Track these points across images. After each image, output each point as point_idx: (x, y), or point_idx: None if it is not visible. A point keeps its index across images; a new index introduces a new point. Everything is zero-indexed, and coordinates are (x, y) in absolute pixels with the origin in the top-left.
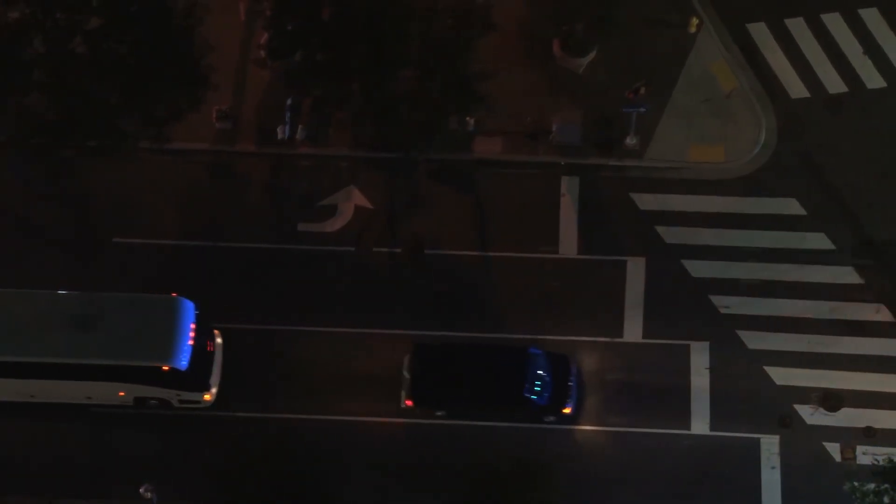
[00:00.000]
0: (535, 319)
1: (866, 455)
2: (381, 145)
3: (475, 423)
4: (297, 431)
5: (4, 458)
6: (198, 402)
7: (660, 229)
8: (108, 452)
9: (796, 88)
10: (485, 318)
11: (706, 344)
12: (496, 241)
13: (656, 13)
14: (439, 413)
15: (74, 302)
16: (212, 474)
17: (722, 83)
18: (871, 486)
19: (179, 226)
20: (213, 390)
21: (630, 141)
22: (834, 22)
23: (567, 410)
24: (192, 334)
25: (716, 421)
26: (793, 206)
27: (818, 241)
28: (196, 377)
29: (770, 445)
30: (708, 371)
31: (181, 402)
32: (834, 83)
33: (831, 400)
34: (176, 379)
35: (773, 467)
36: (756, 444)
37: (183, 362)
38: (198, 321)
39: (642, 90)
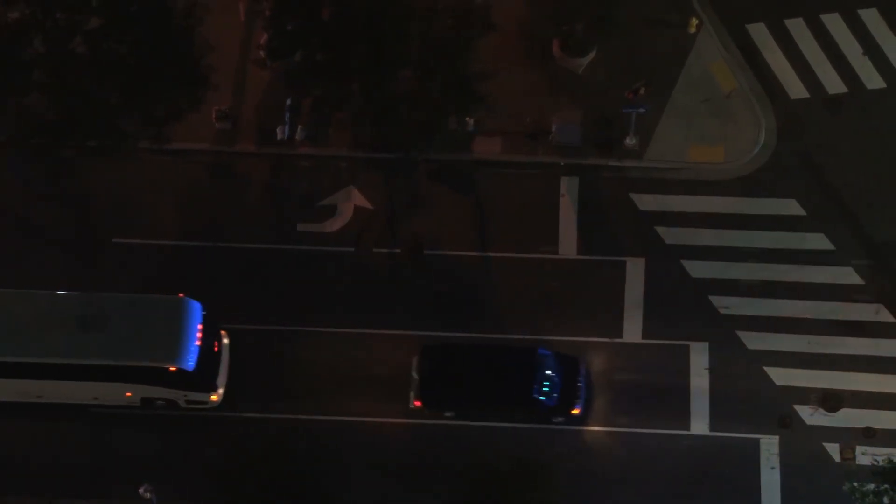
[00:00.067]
0: (534, 320)
1: (866, 455)
2: (381, 145)
3: (475, 423)
4: (296, 431)
5: (4, 458)
6: (205, 402)
7: (659, 230)
8: (108, 452)
9: (796, 89)
10: (484, 318)
11: (706, 344)
12: (496, 242)
13: (656, 13)
14: (448, 414)
15: (81, 303)
16: (212, 474)
17: (721, 83)
18: (871, 486)
19: (179, 226)
20: (220, 391)
21: (630, 141)
22: (833, 22)
23: (576, 411)
24: (199, 335)
25: (715, 421)
26: (792, 207)
27: (818, 241)
28: (203, 378)
29: (770, 446)
30: (707, 371)
31: (188, 402)
32: (833, 84)
33: (831, 400)
34: (183, 379)
35: (772, 468)
36: (756, 445)
37: (190, 363)
38: (205, 322)
39: (642, 90)
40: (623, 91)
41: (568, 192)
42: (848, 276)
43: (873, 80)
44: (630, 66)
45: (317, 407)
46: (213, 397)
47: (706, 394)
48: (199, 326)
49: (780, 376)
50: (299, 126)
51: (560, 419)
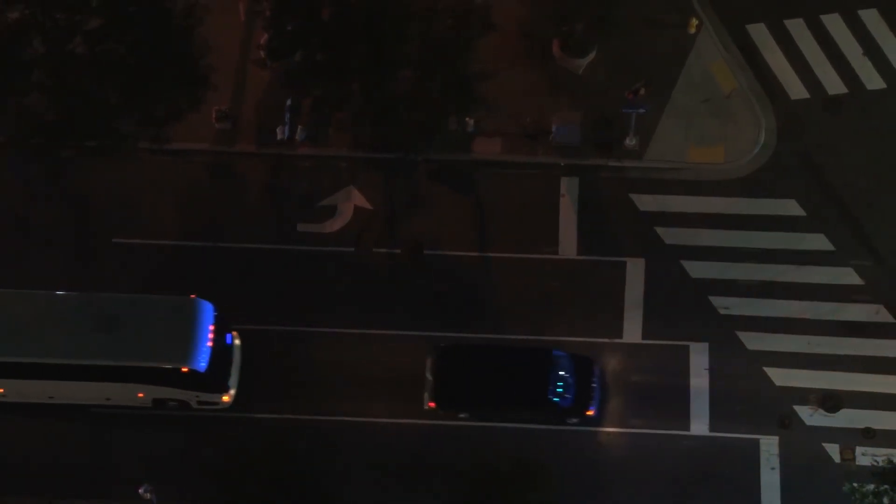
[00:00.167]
0: (534, 320)
1: (866, 456)
2: (381, 146)
3: (475, 423)
4: (295, 431)
5: (4, 458)
6: (216, 403)
7: (659, 230)
8: (108, 452)
9: (796, 89)
10: (484, 318)
11: (705, 345)
12: (496, 242)
13: (656, 13)
14: (462, 415)
15: (94, 304)
16: (212, 474)
17: (721, 84)
18: (871, 486)
19: (179, 226)
20: (232, 392)
21: (629, 141)
22: (833, 23)
23: (590, 413)
24: (210, 336)
25: (715, 422)
26: (792, 207)
27: (818, 241)
28: (215, 379)
29: (769, 446)
30: (707, 372)
31: (200, 403)
32: (833, 84)
33: (831, 401)
34: (195, 380)
35: (772, 468)
36: (755, 445)
37: (202, 364)
38: (216, 322)
39: (642, 91)
40: (623, 91)
41: (568, 193)
42: (848, 276)
43: (873, 80)
44: (630, 66)
45: (316, 407)
46: (225, 398)
47: (706, 394)
48: (211, 327)
49: (780, 377)
50: (299, 126)
51: (574, 420)
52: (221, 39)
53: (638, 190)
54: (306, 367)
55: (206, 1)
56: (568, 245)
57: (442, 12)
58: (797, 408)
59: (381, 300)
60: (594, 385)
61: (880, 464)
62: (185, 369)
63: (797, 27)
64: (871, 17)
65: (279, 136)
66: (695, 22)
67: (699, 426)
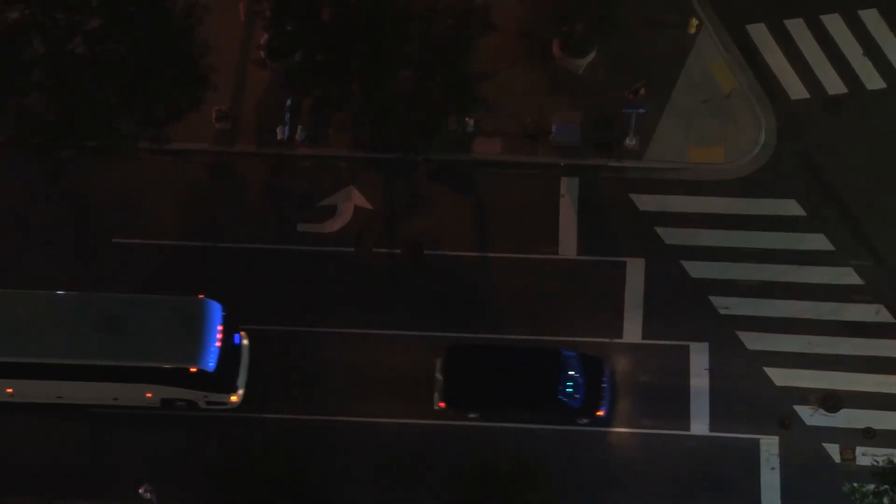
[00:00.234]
0: (534, 320)
1: (866, 456)
2: (381, 146)
3: (475, 423)
4: (295, 431)
5: (4, 458)
6: (225, 403)
7: (659, 230)
8: (108, 452)
9: (796, 89)
10: (484, 318)
11: (706, 345)
12: (496, 242)
13: (656, 13)
14: (472, 415)
15: (102, 304)
16: (212, 474)
17: (721, 84)
18: (871, 486)
19: (179, 226)
20: (241, 392)
21: (629, 142)
22: (833, 23)
23: (600, 413)
24: (219, 336)
25: (715, 422)
26: (792, 207)
27: (818, 241)
28: (223, 379)
29: (769, 446)
30: (707, 372)
31: (208, 403)
32: (833, 84)
33: (831, 401)
34: (203, 380)
35: (772, 468)
36: (755, 445)
37: (210, 364)
38: (225, 322)
39: (642, 91)
40: (623, 91)
41: (568, 193)
42: (848, 276)
43: (873, 80)
44: (630, 66)
45: (316, 407)
46: (234, 398)
47: (706, 394)
48: (220, 327)
49: (780, 377)
50: (299, 126)
51: (585, 421)
52: (221, 39)
53: (638, 190)
54: (305, 368)
55: (206, 1)
56: (568, 245)
57: (442, 12)
58: (797, 408)
59: (381, 300)
60: (604, 385)
61: (880, 464)
62: (193, 369)
63: (797, 27)
64: (871, 17)
65: (279, 136)
66: (695, 22)
67: (699, 426)
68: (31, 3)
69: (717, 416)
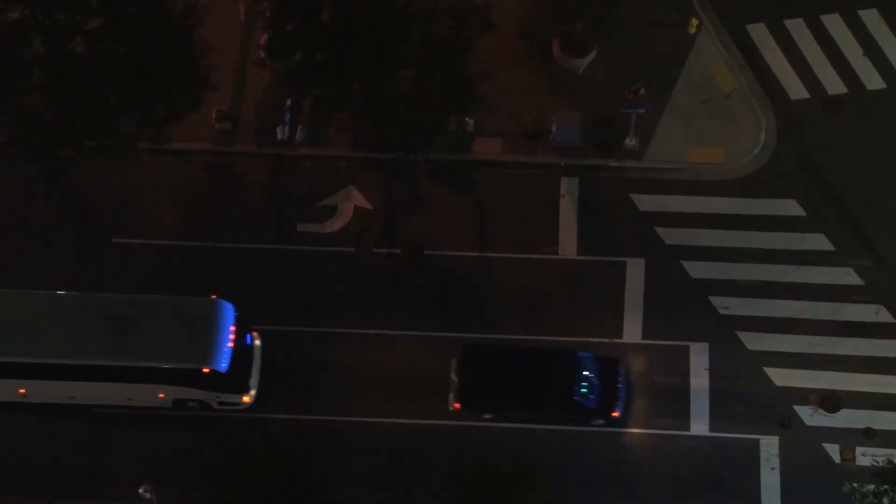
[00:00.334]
0: (534, 320)
1: (866, 456)
2: (381, 146)
3: (475, 423)
4: (295, 431)
5: (4, 458)
6: (237, 403)
7: (659, 230)
8: (108, 452)
9: (796, 89)
10: (484, 318)
11: (705, 345)
12: (496, 242)
13: (656, 13)
14: (487, 416)
15: (115, 304)
16: (212, 474)
17: (721, 84)
18: (871, 487)
19: (179, 226)
20: (253, 392)
21: (629, 142)
22: (833, 23)
23: (615, 414)
24: (231, 336)
25: (715, 422)
26: (792, 207)
27: (818, 241)
28: (236, 379)
29: (769, 446)
30: (707, 372)
31: (220, 404)
32: (833, 84)
33: (831, 401)
34: (216, 381)
35: (772, 468)
36: (755, 445)
37: (223, 364)
38: (237, 323)
39: (642, 91)
40: (623, 91)
41: (568, 193)
42: (847, 276)
43: (873, 80)
44: (630, 66)
45: (315, 407)
46: (246, 398)
47: (706, 394)
48: (232, 328)
49: (780, 377)
50: (299, 126)
51: (600, 421)
52: (221, 39)
53: (638, 190)
54: (305, 368)
55: (206, 1)
56: (568, 245)
57: (442, 12)
58: (797, 408)
59: (381, 300)
60: (619, 386)
61: (880, 464)
62: (206, 370)
63: (797, 27)
64: (871, 17)
65: (279, 136)
66: (695, 22)
67: (699, 426)
68: (31, 3)
69: (717, 416)
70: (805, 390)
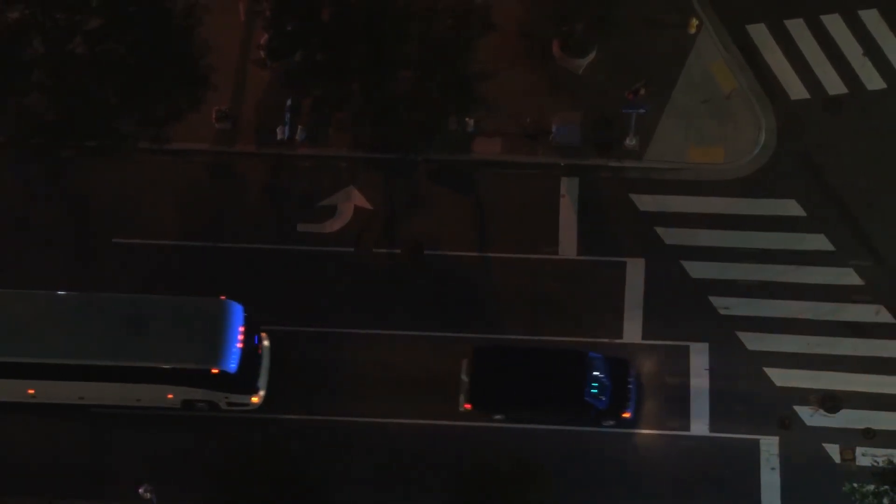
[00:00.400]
0: (534, 320)
1: (866, 456)
2: (381, 146)
3: (475, 423)
4: (295, 431)
5: (4, 458)
6: (246, 404)
7: (659, 230)
8: (108, 452)
9: (796, 89)
10: (484, 318)
11: (706, 345)
12: (496, 242)
13: (656, 13)
14: (497, 417)
15: (124, 305)
16: (212, 474)
17: (721, 84)
18: (871, 487)
19: (179, 226)
20: (261, 393)
21: (629, 142)
22: (834, 23)
23: (626, 415)
24: (240, 337)
25: (715, 422)
26: (792, 207)
27: (818, 241)
28: (245, 380)
29: (770, 447)
30: (707, 372)
31: (229, 404)
32: (834, 84)
33: (831, 401)
34: (225, 382)
35: (772, 468)
36: (756, 446)
37: (232, 365)
38: (246, 324)
39: (642, 91)
40: (623, 91)
41: (568, 193)
42: (848, 276)
43: (873, 80)
44: (630, 66)
45: (315, 407)
46: (254, 399)
47: (706, 394)
48: (241, 328)
49: (780, 377)
50: (299, 126)
51: (611, 422)
52: (221, 39)
53: (638, 190)
54: (305, 368)
55: (206, 1)
56: (568, 245)
57: (442, 12)
58: (797, 408)
59: (381, 300)
60: (630, 387)
61: (880, 464)
62: (215, 370)
63: (797, 27)
64: (871, 18)
65: (279, 136)
66: (695, 22)
67: (699, 426)
68: (31, 3)
69: (717, 416)
70: (805, 390)
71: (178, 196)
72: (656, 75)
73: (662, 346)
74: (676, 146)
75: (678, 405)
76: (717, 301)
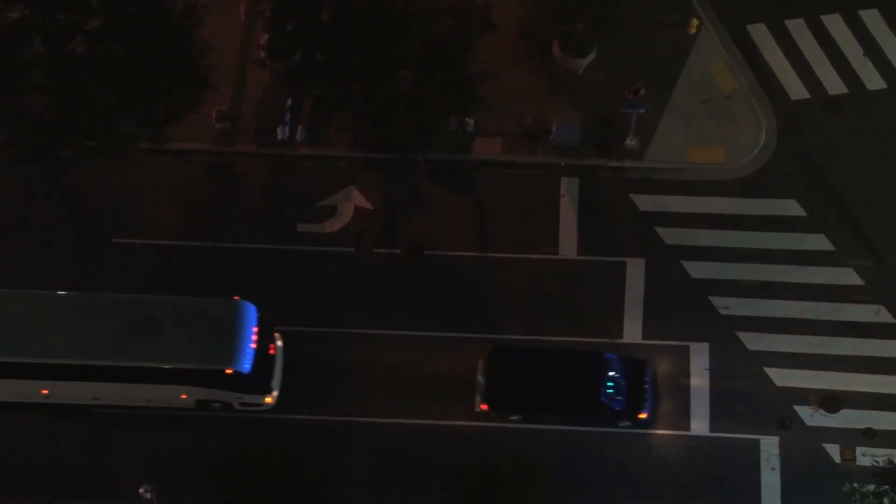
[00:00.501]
0: (534, 320)
1: (866, 456)
2: (381, 146)
3: (475, 423)
4: (295, 432)
5: (4, 458)
6: (259, 404)
7: (659, 230)
8: (108, 452)
9: (796, 89)
10: (484, 318)
11: (706, 345)
12: (496, 242)
13: (656, 13)
14: (514, 417)
15: (137, 305)
16: (212, 474)
17: (721, 84)
18: (871, 487)
19: (179, 226)
20: (275, 393)
21: (630, 142)
22: (834, 23)
23: (643, 415)
24: (254, 337)
25: (716, 422)
26: (792, 207)
27: (818, 241)
28: (258, 380)
29: (770, 446)
30: (707, 372)
31: (243, 405)
32: (834, 84)
33: (831, 401)
34: (239, 382)
35: (772, 468)
36: (756, 446)
37: (246, 365)
38: (260, 324)
39: (642, 91)
40: (623, 91)
41: (568, 193)
42: (848, 276)
43: (874, 80)
44: (630, 66)
45: (315, 407)
46: (268, 399)
47: (706, 394)
48: (255, 329)
49: (781, 377)
50: (299, 126)
51: (627, 423)
52: (221, 39)
53: (638, 190)
54: (304, 368)
55: (206, 1)
56: (568, 245)
57: (442, 12)
58: (797, 408)
59: (381, 300)
60: (646, 387)
61: (880, 464)
62: (229, 371)
63: (797, 27)
64: (871, 18)
65: (279, 136)
66: (695, 22)
67: (699, 426)
68: (31, 3)
69: (718, 416)
70: (805, 390)
71: (178, 196)
72: (656, 75)
73: (663, 345)
74: (676, 146)
75: (678, 405)
76: (717, 301)
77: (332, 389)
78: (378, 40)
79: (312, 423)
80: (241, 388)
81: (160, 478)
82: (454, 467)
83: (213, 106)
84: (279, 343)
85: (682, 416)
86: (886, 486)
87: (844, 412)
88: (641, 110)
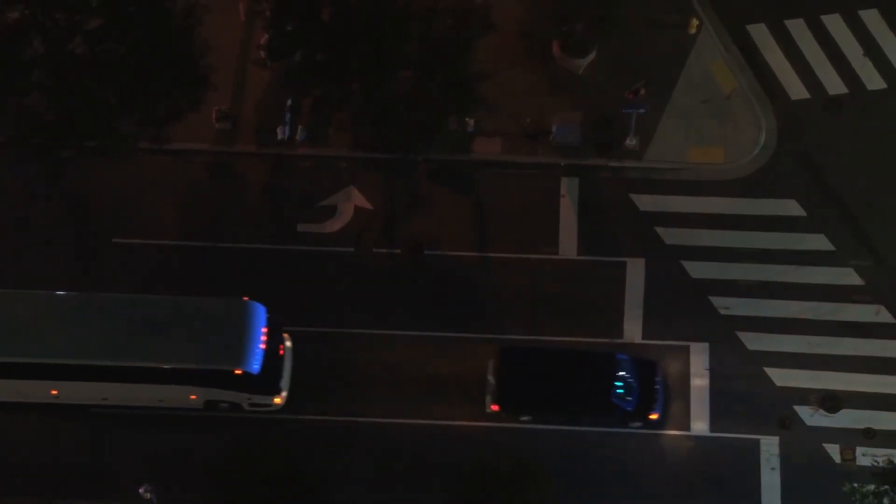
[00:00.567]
0: (534, 320)
1: (866, 456)
2: (381, 146)
3: (475, 423)
4: (295, 431)
5: (4, 458)
6: (268, 405)
7: (659, 230)
8: (108, 452)
9: (796, 89)
10: (484, 318)
11: (706, 345)
12: (496, 242)
13: (656, 13)
14: (524, 418)
15: (147, 306)
16: (212, 474)
17: (721, 84)
18: (871, 487)
19: (179, 226)
20: (284, 393)
21: (630, 142)
22: (834, 23)
23: (654, 416)
24: (263, 338)
25: (716, 422)
26: (792, 207)
27: (818, 241)
28: (267, 381)
29: (770, 446)
30: (707, 372)
31: (252, 405)
32: (834, 84)
33: (831, 401)
34: (248, 382)
35: (772, 468)
36: (756, 446)
37: (255, 366)
38: (269, 324)
39: (642, 91)
40: (623, 91)
41: (568, 193)
42: (848, 276)
43: (874, 80)
44: (630, 66)
45: (315, 407)
46: (277, 400)
47: (706, 394)
48: (264, 329)
49: (781, 377)
50: (299, 126)
51: (638, 424)
52: (221, 39)
53: (638, 190)
54: (304, 368)
55: (206, 1)
56: (568, 245)
57: (442, 12)
58: (797, 408)
59: (381, 300)
60: (657, 388)
61: (880, 464)
62: (238, 371)
63: (797, 27)
64: (871, 18)
65: (279, 136)
66: (695, 22)
67: (699, 426)
68: (31, 3)
69: (718, 416)
70: (805, 390)
71: (178, 196)
72: (656, 75)
73: (663, 345)
74: (676, 146)
75: (678, 405)
76: (717, 301)
77: (332, 389)
78: (378, 40)
79: (312, 423)
80: (251, 389)
81: (160, 478)
82: (454, 467)
83: (213, 106)
84: (288, 344)
85: (682, 416)
86: (886, 486)
87: (844, 412)
88: (641, 110)
